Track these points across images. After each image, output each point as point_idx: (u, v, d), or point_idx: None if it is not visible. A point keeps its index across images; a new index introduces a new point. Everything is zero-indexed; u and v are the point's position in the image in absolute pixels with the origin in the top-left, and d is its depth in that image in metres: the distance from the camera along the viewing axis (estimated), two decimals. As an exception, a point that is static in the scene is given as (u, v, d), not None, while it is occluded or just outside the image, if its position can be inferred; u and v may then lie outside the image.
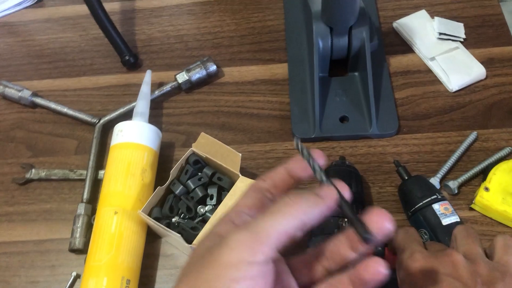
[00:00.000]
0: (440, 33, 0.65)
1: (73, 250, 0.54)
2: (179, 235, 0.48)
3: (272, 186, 0.33)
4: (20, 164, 0.61)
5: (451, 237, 0.41)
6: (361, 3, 0.60)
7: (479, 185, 0.54)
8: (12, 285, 0.54)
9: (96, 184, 0.58)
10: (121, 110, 0.62)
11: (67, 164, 0.61)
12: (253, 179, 0.52)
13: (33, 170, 0.60)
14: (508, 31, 0.67)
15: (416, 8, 0.70)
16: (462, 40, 0.66)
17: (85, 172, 0.59)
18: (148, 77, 0.62)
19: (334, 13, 0.57)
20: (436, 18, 0.67)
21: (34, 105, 0.65)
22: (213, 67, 0.65)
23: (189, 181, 0.52)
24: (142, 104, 0.59)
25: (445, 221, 0.47)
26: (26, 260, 0.55)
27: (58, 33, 0.73)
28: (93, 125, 0.62)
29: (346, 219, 0.47)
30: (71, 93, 0.67)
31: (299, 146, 0.32)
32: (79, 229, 0.54)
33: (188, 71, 0.64)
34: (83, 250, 0.53)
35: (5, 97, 0.66)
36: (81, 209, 0.55)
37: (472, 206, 0.53)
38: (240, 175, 0.51)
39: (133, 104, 0.62)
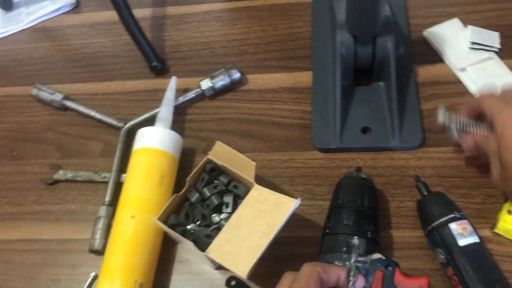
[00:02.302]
0: (473, 43, 0.63)
1: (92, 251, 0.55)
2: (192, 243, 0.48)
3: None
4: (49, 165, 0.63)
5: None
6: (388, 11, 0.59)
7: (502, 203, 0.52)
8: (35, 281, 0.56)
9: (119, 187, 0.59)
10: (146, 115, 0.64)
11: (93, 166, 0.63)
12: (270, 188, 0.52)
13: (60, 171, 0.62)
14: (547, 41, 0.64)
15: (449, 16, 0.67)
16: (497, 50, 0.63)
17: (108, 175, 0.60)
18: (172, 83, 0.63)
19: (358, 22, 0.56)
20: (469, 27, 0.64)
21: (65, 108, 0.68)
22: (237, 75, 0.65)
23: (205, 189, 0.53)
24: (165, 110, 0.61)
25: (462, 242, 0.45)
26: (50, 259, 0.57)
27: (92, 38, 0.76)
28: (118, 129, 0.64)
29: (356, 237, 0.46)
30: (100, 97, 0.70)
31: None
32: (99, 231, 0.56)
33: (212, 78, 0.65)
34: (102, 252, 0.55)
35: (39, 100, 0.69)
36: (102, 211, 0.57)
37: (496, 230, 0.51)
38: (254, 183, 0.51)
39: (158, 109, 0.63)
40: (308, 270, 0.40)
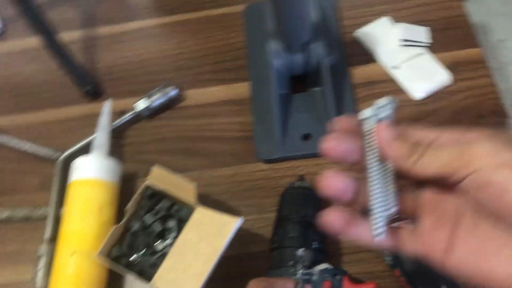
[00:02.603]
0: (403, 40, 0.64)
1: (36, 293, 0.53)
2: (135, 275, 0.47)
3: None
4: (-17, 206, 0.60)
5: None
6: (317, 16, 0.59)
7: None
8: (-23, 332, 0.53)
9: (59, 222, 0.57)
10: (82, 143, 0.62)
11: (31, 202, 0.60)
12: (216, 205, 0.51)
13: (-4, 211, 0.59)
14: (474, 32, 0.65)
15: (379, 14, 0.68)
16: (427, 45, 0.64)
17: (47, 210, 0.58)
18: (107, 107, 0.61)
19: (287, 31, 0.56)
20: (398, 24, 0.65)
21: (-3, 143, 0.65)
22: (173, 92, 0.64)
23: (146, 216, 0.51)
24: (100, 137, 0.58)
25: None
26: (-9, 305, 0.54)
27: (21, 66, 0.73)
28: (54, 160, 0.61)
29: (302, 249, 0.45)
30: (35, 127, 0.67)
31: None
32: (41, 271, 0.53)
33: (148, 97, 0.63)
34: (46, 292, 0.52)
35: (-32, 137, 0.65)
36: (43, 249, 0.55)
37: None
38: (197, 206, 0.50)
39: (94, 136, 0.61)
40: (254, 286, 0.40)
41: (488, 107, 0.59)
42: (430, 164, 0.29)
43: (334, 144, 0.31)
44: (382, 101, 0.31)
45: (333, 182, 0.30)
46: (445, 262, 0.29)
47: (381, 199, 0.30)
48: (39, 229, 0.58)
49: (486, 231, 0.28)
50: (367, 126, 0.31)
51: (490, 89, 0.60)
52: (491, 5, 1.67)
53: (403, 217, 0.32)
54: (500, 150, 0.26)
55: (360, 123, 0.31)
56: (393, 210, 0.30)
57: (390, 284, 0.50)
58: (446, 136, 0.30)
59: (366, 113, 0.31)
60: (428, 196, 0.31)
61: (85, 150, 0.61)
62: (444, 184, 0.29)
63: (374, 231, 0.29)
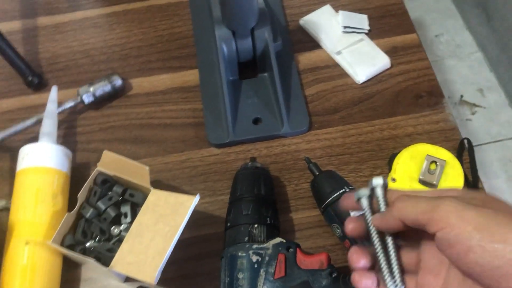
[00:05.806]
0: (345, 27, 0.67)
1: (-16, 288, 0.51)
2: (93, 259, 0.46)
3: None
4: None
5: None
6: (261, 3, 0.60)
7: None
8: None
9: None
10: (15, 129, 0.59)
11: (-26, 197, 0.58)
12: (169, 190, 0.51)
13: None
14: (409, 19, 0.69)
15: (322, 3, 0.71)
16: (366, 31, 0.68)
17: (-8, 203, 0.56)
18: (53, 94, 0.60)
19: (233, 16, 0.57)
20: (340, 12, 0.68)
21: None
22: (118, 81, 0.63)
23: (99, 202, 0.51)
24: (48, 124, 0.57)
25: (354, 214, 0.48)
26: None
27: (-45, 58, 0.69)
28: (-3, 152, 0.59)
29: (256, 226, 0.47)
30: (-26, 120, 0.64)
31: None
32: (-11, 265, 0.51)
33: (91, 85, 0.62)
34: (-5, 286, 0.51)
35: None
36: (-10, 243, 0.53)
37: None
38: (151, 188, 0.50)
39: (28, 121, 0.59)
40: None
41: (425, 88, 0.63)
42: (411, 210, 0.32)
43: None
44: (375, 180, 0.35)
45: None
46: None
47: (389, 273, 0.34)
48: (-16, 224, 0.56)
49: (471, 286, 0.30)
50: (364, 204, 0.36)
51: (426, 72, 0.64)
52: (426, 2, 1.76)
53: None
54: (463, 210, 0.29)
55: (357, 202, 0.37)
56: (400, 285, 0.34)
57: (340, 257, 0.52)
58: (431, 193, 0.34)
59: (361, 193, 0.36)
60: (428, 247, 0.34)
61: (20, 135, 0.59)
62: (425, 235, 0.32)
63: None
